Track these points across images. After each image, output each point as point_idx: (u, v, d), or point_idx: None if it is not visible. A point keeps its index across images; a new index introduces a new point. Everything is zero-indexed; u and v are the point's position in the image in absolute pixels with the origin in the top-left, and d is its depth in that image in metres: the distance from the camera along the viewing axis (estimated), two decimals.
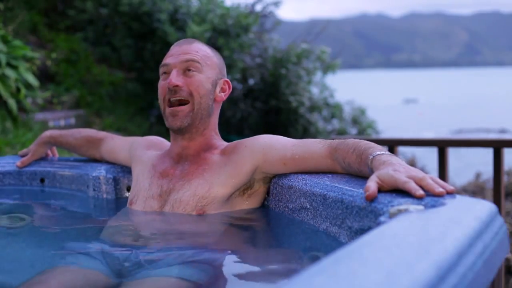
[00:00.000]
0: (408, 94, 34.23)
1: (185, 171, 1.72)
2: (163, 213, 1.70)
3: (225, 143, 1.78)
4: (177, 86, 1.69)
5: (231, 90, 1.82)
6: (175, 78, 1.69)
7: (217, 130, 1.81)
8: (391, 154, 1.35)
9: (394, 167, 1.24)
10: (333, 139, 1.57)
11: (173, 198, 1.69)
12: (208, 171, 1.68)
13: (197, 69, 1.71)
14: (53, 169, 2.24)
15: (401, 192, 1.21)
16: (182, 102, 1.72)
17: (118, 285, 1.31)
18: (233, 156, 1.68)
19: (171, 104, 1.72)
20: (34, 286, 1.25)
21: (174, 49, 1.77)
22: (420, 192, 1.15)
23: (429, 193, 1.16)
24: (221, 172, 1.67)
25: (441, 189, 1.15)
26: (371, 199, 1.22)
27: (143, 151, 1.90)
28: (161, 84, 1.75)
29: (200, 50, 1.75)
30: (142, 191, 1.77)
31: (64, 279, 1.31)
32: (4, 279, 1.32)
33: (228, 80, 1.82)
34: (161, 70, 1.76)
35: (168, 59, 1.74)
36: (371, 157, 1.34)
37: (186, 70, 1.71)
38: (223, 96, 1.79)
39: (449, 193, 1.16)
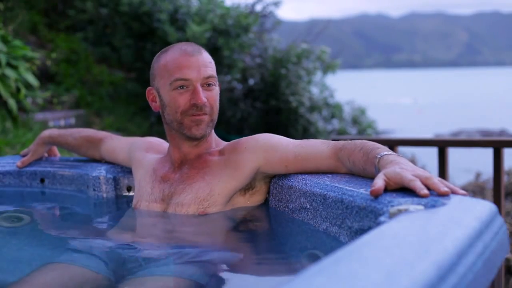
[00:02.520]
0: (408, 94, 34.19)
1: (185, 175, 1.71)
2: (166, 214, 1.70)
3: (223, 142, 1.78)
4: (204, 103, 1.66)
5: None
6: (202, 95, 1.65)
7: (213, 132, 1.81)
8: (399, 155, 1.35)
9: (401, 166, 1.25)
10: (333, 139, 1.56)
11: (175, 201, 1.69)
12: (208, 173, 1.68)
13: (214, 82, 1.69)
14: (53, 169, 2.24)
15: (401, 192, 1.21)
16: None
17: (117, 284, 1.32)
18: (233, 157, 1.67)
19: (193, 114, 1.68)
20: (21, 285, 1.26)
21: (185, 59, 1.66)
22: (425, 191, 1.15)
23: (434, 192, 1.16)
24: (222, 173, 1.67)
25: (446, 189, 1.15)
26: (376, 195, 1.21)
27: (142, 153, 1.89)
28: (180, 98, 1.66)
29: (211, 60, 1.72)
30: (145, 196, 1.77)
31: (54, 276, 1.32)
32: (4, 278, 1.33)
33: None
34: (178, 83, 1.66)
35: (187, 73, 1.64)
36: (378, 156, 1.34)
37: (206, 85, 1.67)
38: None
39: (455, 194, 1.16)
